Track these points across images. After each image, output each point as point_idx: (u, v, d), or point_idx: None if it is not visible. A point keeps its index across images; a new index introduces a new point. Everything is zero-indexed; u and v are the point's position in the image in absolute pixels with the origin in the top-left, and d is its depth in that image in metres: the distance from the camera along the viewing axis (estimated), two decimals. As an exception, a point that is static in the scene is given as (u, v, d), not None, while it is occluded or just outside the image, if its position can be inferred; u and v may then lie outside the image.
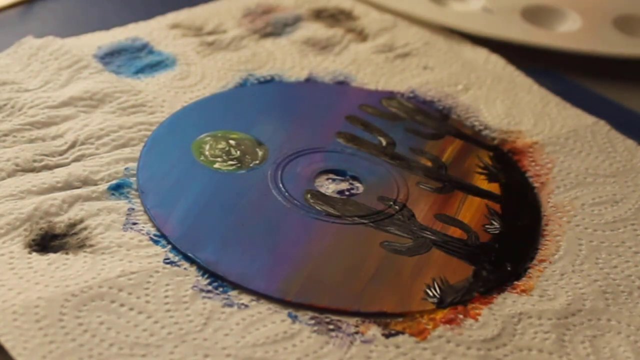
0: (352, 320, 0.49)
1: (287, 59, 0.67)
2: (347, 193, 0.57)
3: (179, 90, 0.63)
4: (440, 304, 0.50)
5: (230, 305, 0.49)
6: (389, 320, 0.49)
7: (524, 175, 0.59)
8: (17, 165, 0.55)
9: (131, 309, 0.48)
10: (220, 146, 0.58)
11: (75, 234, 0.52)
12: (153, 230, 0.53)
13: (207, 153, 0.58)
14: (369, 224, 0.54)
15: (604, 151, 0.61)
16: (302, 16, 0.71)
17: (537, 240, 0.55)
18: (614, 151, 0.62)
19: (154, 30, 0.68)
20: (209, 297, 0.49)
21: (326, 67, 0.66)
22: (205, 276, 0.50)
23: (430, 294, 0.51)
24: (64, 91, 0.61)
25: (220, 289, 0.50)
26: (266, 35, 0.69)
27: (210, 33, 0.68)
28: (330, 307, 0.49)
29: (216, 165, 0.57)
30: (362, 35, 0.70)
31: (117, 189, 0.55)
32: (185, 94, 0.62)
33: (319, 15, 0.72)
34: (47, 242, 0.51)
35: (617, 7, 0.75)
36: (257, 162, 0.57)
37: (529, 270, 0.53)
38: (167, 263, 0.51)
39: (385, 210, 0.55)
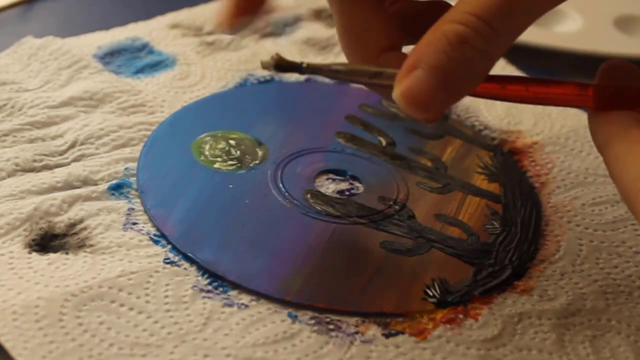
0: (352, 320, 0.49)
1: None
2: (347, 193, 0.57)
3: (179, 90, 0.63)
4: (440, 304, 0.50)
5: (230, 305, 0.49)
6: (389, 320, 0.49)
7: (524, 175, 0.59)
8: (17, 165, 0.55)
9: (131, 309, 0.48)
10: (220, 146, 0.58)
11: (75, 233, 0.52)
12: (153, 230, 0.53)
13: (207, 153, 0.58)
14: (369, 224, 0.54)
15: (604, 151, 0.61)
16: (302, 16, 0.71)
17: (537, 240, 0.55)
18: (614, 151, 0.61)
19: (153, 30, 0.68)
20: (209, 297, 0.49)
21: (326, 67, 0.66)
22: (205, 276, 0.50)
23: (430, 294, 0.51)
24: (63, 91, 0.61)
25: (220, 289, 0.50)
26: (266, 35, 0.69)
27: (210, 33, 0.68)
28: (330, 307, 0.49)
29: (216, 165, 0.57)
30: (362, 35, 0.70)
31: (117, 189, 0.55)
32: (185, 93, 0.62)
33: (319, 15, 0.72)
34: (47, 242, 0.51)
35: (618, 7, 0.75)
36: (257, 162, 0.57)
37: (529, 270, 0.53)
38: (167, 263, 0.51)
39: (385, 210, 0.55)
